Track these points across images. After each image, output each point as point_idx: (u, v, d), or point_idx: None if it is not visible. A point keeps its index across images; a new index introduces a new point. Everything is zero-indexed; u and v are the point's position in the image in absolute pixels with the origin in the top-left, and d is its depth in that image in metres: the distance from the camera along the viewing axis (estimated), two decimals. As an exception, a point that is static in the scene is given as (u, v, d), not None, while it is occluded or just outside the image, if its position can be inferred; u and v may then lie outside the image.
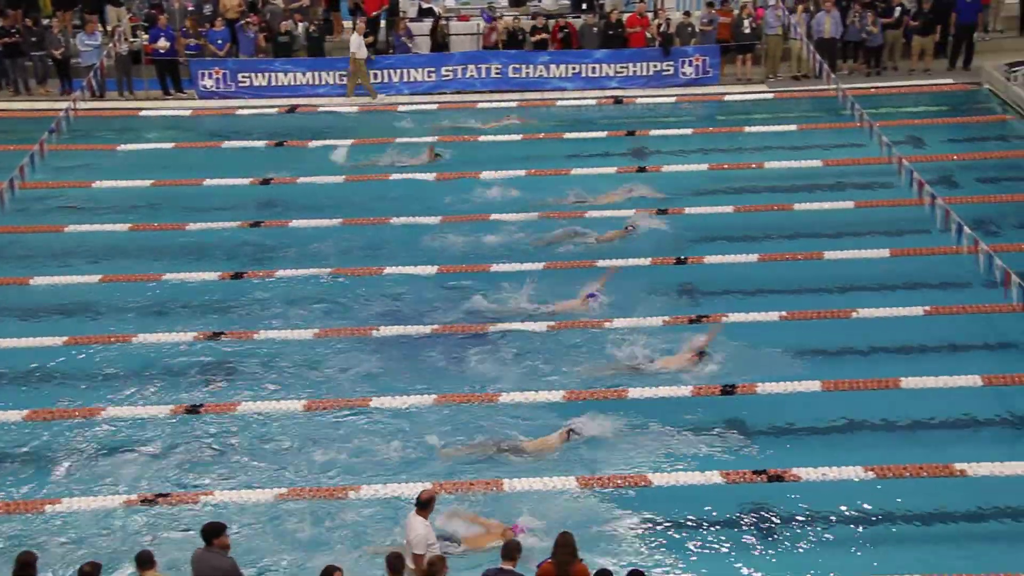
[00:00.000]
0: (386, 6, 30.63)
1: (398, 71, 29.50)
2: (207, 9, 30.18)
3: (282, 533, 14.75)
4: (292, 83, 29.46)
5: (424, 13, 30.93)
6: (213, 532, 12.70)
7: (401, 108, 28.75)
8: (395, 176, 24.79)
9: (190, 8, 30.32)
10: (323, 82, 29.48)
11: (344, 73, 29.12)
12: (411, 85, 29.50)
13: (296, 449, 16.44)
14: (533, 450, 16.00)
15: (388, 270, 20.91)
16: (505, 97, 29.00)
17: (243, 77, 29.40)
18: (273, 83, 29.46)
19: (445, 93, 29.39)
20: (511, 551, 12.35)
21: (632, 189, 23.61)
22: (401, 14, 30.69)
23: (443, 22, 30.07)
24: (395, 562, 12.20)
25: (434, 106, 28.83)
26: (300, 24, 29.91)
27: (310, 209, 23.39)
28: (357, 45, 28.84)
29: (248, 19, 29.99)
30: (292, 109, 28.88)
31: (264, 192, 24.57)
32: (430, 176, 24.76)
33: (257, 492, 15.42)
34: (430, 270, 20.85)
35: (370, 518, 14.94)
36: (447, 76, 29.49)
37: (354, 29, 29.16)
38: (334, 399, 17.34)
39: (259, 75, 29.46)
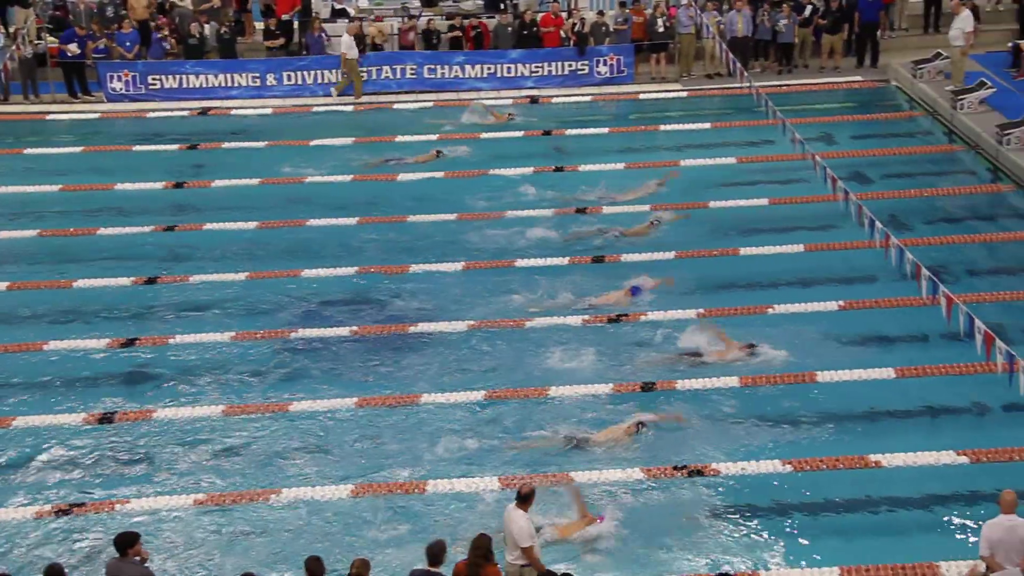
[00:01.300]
0: (298, 7, 30.33)
1: (312, 72, 29.21)
2: (109, 11, 29.63)
3: (201, 540, 14.50)
4: (204, 85, 29.05)
5: (338, 14, 30.67)
6: (127, 542, 12.43)
7: (316, 109, 28.50)
8: (311, 178, 24.58)
9: (95, 10, 29.76)
10: (236, 84, 29.11)
11: (342, 72, 28.87)
12: (325, 87, 29.22)
13: (214, 455, 16.18)
14: (602, 442, 16.00)
15: (306, 272, 20.70)
16: (421, 98, 28.87)
17: (153, 79, 28.94)
18: (184, 85, 29.03)
19: (366, 93, 29.17)
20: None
21: (660, 183, 23.54)
22: (314, 14, 30.40)
23: (360, 23, 29.83)
24: (314, 566, 12.04)
25: (349, 107, 28.61)
26: (208, 26, 29.50)
27: (225, 212, 23.09)
28: (348, 45, 28.63)
29: (158, 21, 29.51)
30: (204, 112, 28.48)
31: (178, 196, 24.20)
32: (348, 177, 24.58)
33: (174, 499, 15.16)
34: (351, 271, 20.68)
35: (294, 522, 14.76)
36: (362, 77, 29.26)
37: (346, 30, 29.04)
38: (254, 404, 17.11)
39: (170, 77, 29.01)
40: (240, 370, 18.05)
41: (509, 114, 27.63)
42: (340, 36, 29.22)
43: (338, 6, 30.82)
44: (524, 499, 12.96)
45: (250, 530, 14.68)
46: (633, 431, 16.04)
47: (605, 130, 26.87)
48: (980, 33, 28.68)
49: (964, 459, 15.29)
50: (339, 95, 28.90)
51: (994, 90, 25.80)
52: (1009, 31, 29.29)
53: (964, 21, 26.31)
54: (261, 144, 26.52)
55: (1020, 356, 14.21)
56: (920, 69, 27.64)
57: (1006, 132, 23.74)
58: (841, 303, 18.96)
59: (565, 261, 20.87)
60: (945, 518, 14.51)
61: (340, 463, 15.96)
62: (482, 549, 12.16)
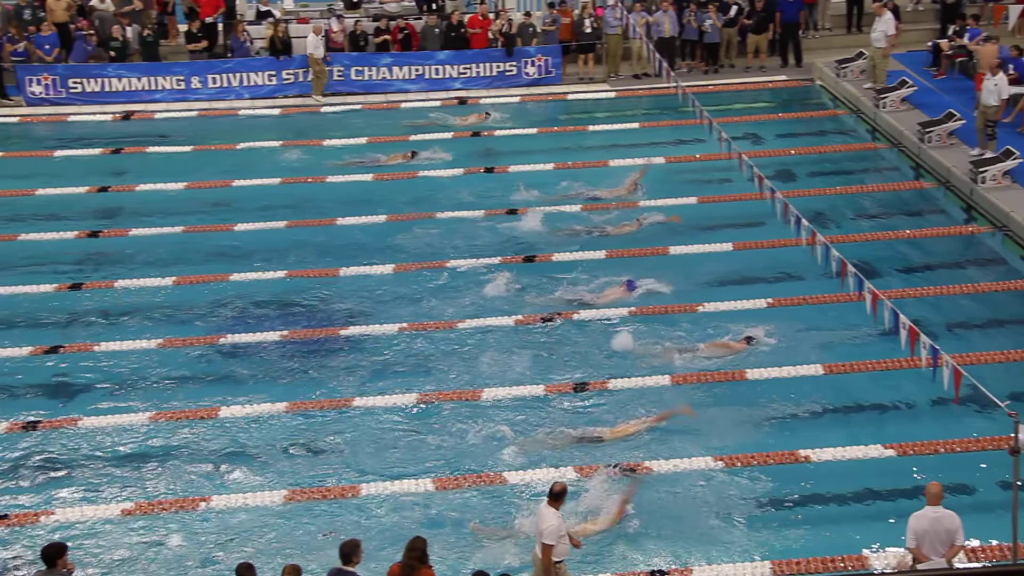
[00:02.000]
0: (223, 9, 30.00)
1: (237, 75, 28.91)
2: (27, 14, 29.09)
3: (129, 550, 14.28)
4: (127, 89, 28.63)
5: (262, 16, 30.40)
6: (54, 553, 12.20)
7: (242, 113, 28.22)
8: (237, 182, 24.34)
9: (12, 12, 29.21)
10: (159, 87, 28.73)
11: (307, 70, 28.70)
12: (251, 89, 28.94)
13: (142, 463, 15.94)
14: (612, 438, 16.02)
15: (234, 277, 20.50)
16: (348, 100, 28.70)
17: (74, 83, 28.48)
18: (107, 89, 28.58)
19: (287, 96, 28.94)
20: None
21: (639, 185, 23.56)
22: (238, 17, 30.10)
23: (282, 25, 29.57)
24: (246, 573, 11.91)
25: (276, 110, 28.38)
26: (131, 28, 29.08)
27: (151, 217, 22.79)
28: (314, 45, 28.38)
29: (78, 24, 29.04)
30: (128, 115, 28.07)
31: (102, 200, 23.84)
32: (275, 181, 24.37)
33: (102, 508, 14.92)
34: (280, 275, 20.51)
35: (225, 530, 14.59)
36: (288, 80, 29.04)
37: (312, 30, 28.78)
38: (182, 410, 16.89)
39: (91, 81, 28.56)
40: (168, 376, 17.83)
41: (486, 112, 27.55)
42: (262, 38, 29.04)
43: (263, 8, 30.54)
44: (556, 496, 12.96)
45: (180, 539, 14.49)
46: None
47: (534, 131, 26.90)
48: (901, 32, 29.13)
49: (891, 452, 15.51)
50: (318, 95, 28.82)
51: (915, 88, 26.21)
52: (929, 30, 29.76)
53: (886, 23, 26.69)
54: (187, 148, 26.21)
55: (944, 351, 14.42)
56: (843, 68, 28.01)
57: (927, 130, 24.13)
58: (769, 300, 19.13)
59: (497, 260, 20.86)
60: (873, 511, 14.69)
61: (272, 469, 15.80)
62: (417, 551, 12.11)
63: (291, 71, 28.93)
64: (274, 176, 24.57)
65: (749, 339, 17.81)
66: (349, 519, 14.75)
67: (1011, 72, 25.45)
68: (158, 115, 28.10)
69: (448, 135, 26.64)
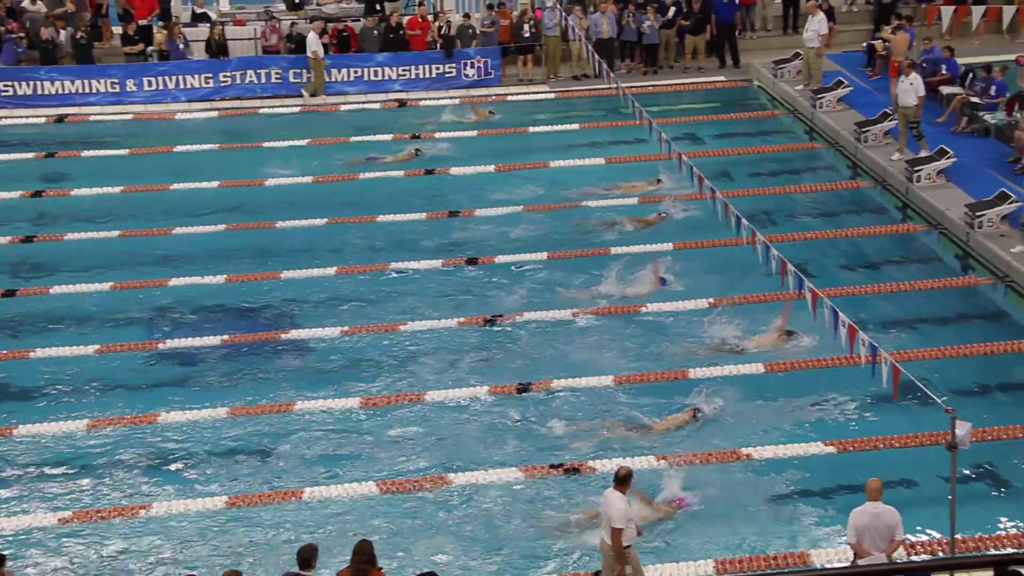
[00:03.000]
0: (157, 11, 29.65)
1: (173, 78, 28.60)
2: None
3: (69, 559, 14.08)
4: (60, 92, 28.22)
5: (198, 18, 30.10)
6: (-7, 564, 12.01)
7: (179, 116, 27.93)
8: (175, 186, 24.10)
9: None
10: (94, 90, 28.35)
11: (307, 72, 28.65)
12: (188, 92, 28.64)
13: (80, 470, 15.73)
14: (661, 430, 16.04)
15: (173, 281, 20.29)
16: (287, 102, 28.50)
17: (5, 86, 28.03)
18: (39, 92, 28.16)
19: (228, 99, 28.68)
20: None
21: (660, 180, 23.56)
22: (174, 19, 29.78)
23: (219, 27, 29.29)
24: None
25: (214, 113, 28.11)
26: (64, 31, 28.66)
27: (87, 221, 22.50)
28: (316, 44, 28.16)
29: (8, 26, 28.58)
30: (61, 119, 27.67)
31: (36, 205, 23.48)
32: (214, 184, 24.15)
33: (40, 517, 14.70)
34: (219, 279, 20.35)
35: (166, 536, 14.42)
36: (225, 82, 28.78)
37: (311, 29, 28.63)
38: (120, 416, 16.68)
39: (23, 84, 28.13)
40: (106, 383, 17.59)
41: (489, 111, 27.46)
42: (200, 41, 28.77)
43: (199, 10, 30.24)
44: (621, 481, 13.05)
45: (121, 546, 14.31)
46: (691, 417, 16.32)
47: (474, 132, 26.87)
48: (836, 33, 29.48)
49: (831, 449, 15.65)
50: (320, 93, 28.68)
51: (851, 89, 26.51)
52: (864, 31, 30.12)
53: (818, 23, 26.97)
54: (123, 151, 25.89)
55: (882, 348, 14.58)
56: (780, 69, 28.27)
57: (864, 130, 24.41)
58: (711, 300, 19.24)
59: (439, 263, 20.82)
60: (814, 507, 14.81)
61: (213, 474, 15.65)
62: (365, 554, 12.05)
63: (228, 73, 28.66)
64: (212, 179, 24.34)
65: (789, 332, 17.86)
66: (292, 523, 14.62)
67: (944, 72, 25.89)
68: (93, 118, 27.73)
69: (388, 137, 26.51)
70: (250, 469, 15.75)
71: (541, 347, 18.31)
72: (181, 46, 28.78)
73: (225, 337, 18.62)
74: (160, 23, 29.38)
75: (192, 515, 14.77)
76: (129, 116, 27.85)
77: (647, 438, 16.08)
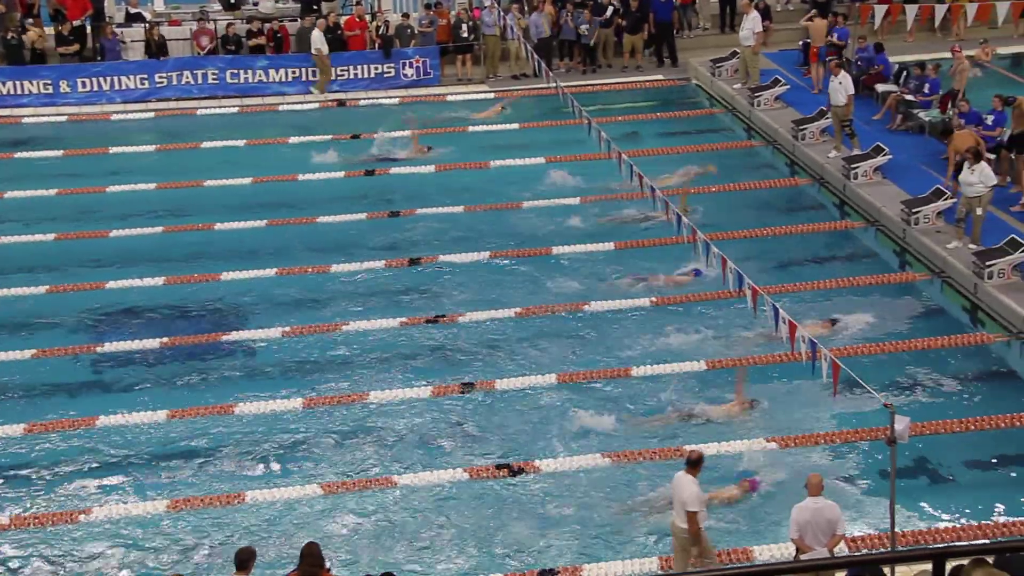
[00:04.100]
0: (90, 11, 29.24)
1: (108, 79, 28.22)
2: None
3: (8, 566, 13.86)
4: (-9, 93, 27.82)
5: (132, 18, 29.71)
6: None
7: (114, 117, 27.57)
8: (111, 188, 23.81)
9: None
10: (26, 91, 27.90)
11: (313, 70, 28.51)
12: (123, 93, 28.27)
13: (17, 476, 15.51)
14: (719, 418, 16.15)
15: (111, 284, 20.04)
16: (224, 103, 28.24)
17: (-66, 88, 27.58)
18: (-33, 93, 27.74)
19: (165, 100, 28.32)
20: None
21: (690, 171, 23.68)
22: (108, 19, 29.37)
23: (156, 27, 28.93)
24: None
25: (150, 114, 27.78)
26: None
27: (21, 224, 22.17)
28: (320, 41, 27.86)
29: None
30: (-8, 121, 27.26)
31: (-32, 208, 23.13)
32: (151, 186, 23.88)
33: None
34: (158, 281, 20.13)
35: (106, 541, 14.23)
36: (161, 83, 28.44)
37: (315, 26, 28.38)
38: (59, 420, 16.45)
39: (-47, 85, 27.68)
40: (43, 387, 17.34)
41: (502, 106, 27.38)
42: (139, 41, 28.44)
43: (132, 10, 29.86)
44: (693, 464, 13.11)
45: (59, 551, 14.12)
46: (748, 406, 16.46)
47: (411, 132, 26.77)
48: (773, 32, 29.74)
49: (773, 445, 15.77)
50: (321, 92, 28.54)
51: (788, 87, 26.76)
52: (800, 29, 30.38)
53: (753, 21, 27.18)
54: (57, 153, 25.51)
55: (822, 344, 14.71)
56: (718, 67, 28.46)
57: (801, 127, 24.64)
58: (653, 299, 19.33)
59: (381, 264, 20.75)
60: (756, 503, 14.90)
61: (154, 477, 15.50)
62: (314, 556, 11.98)
63: (164, 74, 28.32)
64: (150, 181, 24.06)
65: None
66: (234, 527, 14.50)
67: (876, 67, 26.20)
68: (25, 120, 27.30)
69: (327, 137, 26.35)
70: (191, 472, 15.60)
71: (484, 346, 18.29)
72: (120, 44, 28.38)
73: (164, 340, 18.41)
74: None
75: (133, 519, 14.60)
76: (64, 118, 27.45)
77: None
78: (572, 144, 25.02)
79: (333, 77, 28.69)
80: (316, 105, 28.26)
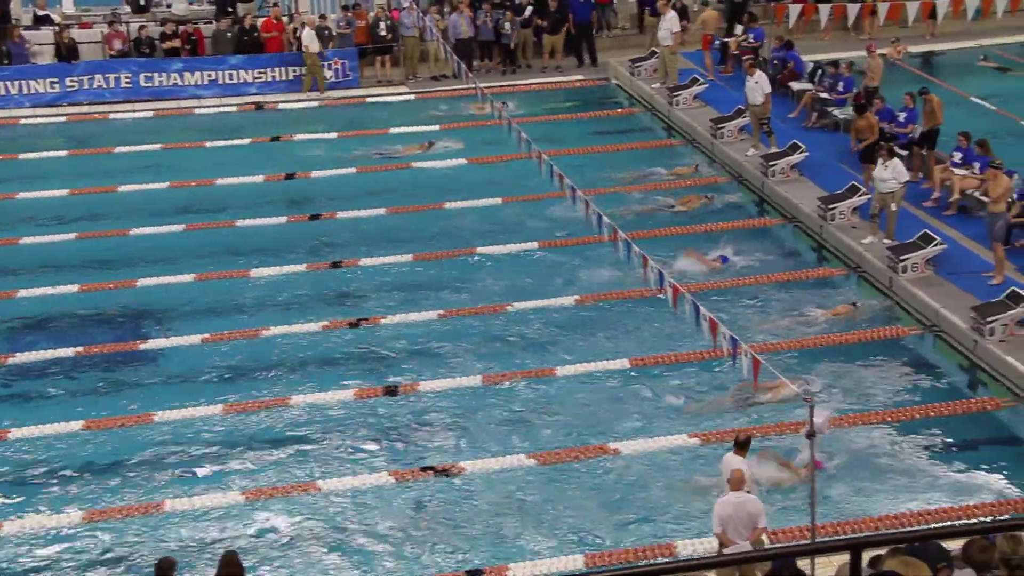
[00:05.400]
0: (-4, 13, 28.71)
1: (16, 83, 27.65)
2: None
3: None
4: None
5: (40, 20, 29.12)
6: None
7: (24, 122, 27.02)
8: (22, 194, 23.33)
9: None
10: (-68, 96, 27.31)
11: (301, 71, 28.23)
12: (32, 97, 27.72)
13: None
14: (771, 399, 16.08)
15: (22, 292, 19.67)
16: (139, 107, 27.80)
17: None
18: None
19: (78, 104, 27.80)
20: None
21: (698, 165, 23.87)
22: (14, 21, 28.75)
23: (66, 30, 28.41)
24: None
25: (61, 118, 27.27)
26: None
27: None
28: (310, 39, 27.41)
29: None
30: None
31: None
32: (63, 192, 23.45)
33: None
34: (72, 289, 19.75)
35: (21, 555, 13.91)
36: (72, 87, 27.93)
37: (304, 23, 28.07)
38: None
39: None
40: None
41: (504, 102, 27.00)
42: (46, 44, 27.90)
43: (40, 12, 29.30)
44: (742, 445, 13.40)
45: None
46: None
47: (334, 135, 26.61)
48: (690, 32, 29.93)
49: (696, 441, 15.86)
50: (307, 91, 28.25)
51: (706, 86, 26.99)
52: (718, 29, 30.62)
53: (671, 21, 27.37)
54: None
55: (742, 340, 14.82)
56: (637, 67, 28.62)
57: (719, 126, 24.86)
58: (576, 298, 19.36)
59: (303, 268, 20.57)
60: (680, 499, 14.97)
61: (70, 488, 15.18)
62: (233, 565, 11.82)
63: (75, 78, 27.83)
64: (62, 186, 23.63)
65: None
66: (154, 537, 14.26)
67: (788, 64, 26.50)
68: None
69: (246, 141, 26.06)
70: (108, 483, 15.30)
71: (407, 349, 18.18)
72: (28, 48, 27.83)
73: (79, 348, 18.06)
74: None
75: (48, 532, 14.29)
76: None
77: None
78: (493, 145, 25.02)
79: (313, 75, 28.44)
80: (233, 108, 27.93)
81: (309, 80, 28.38)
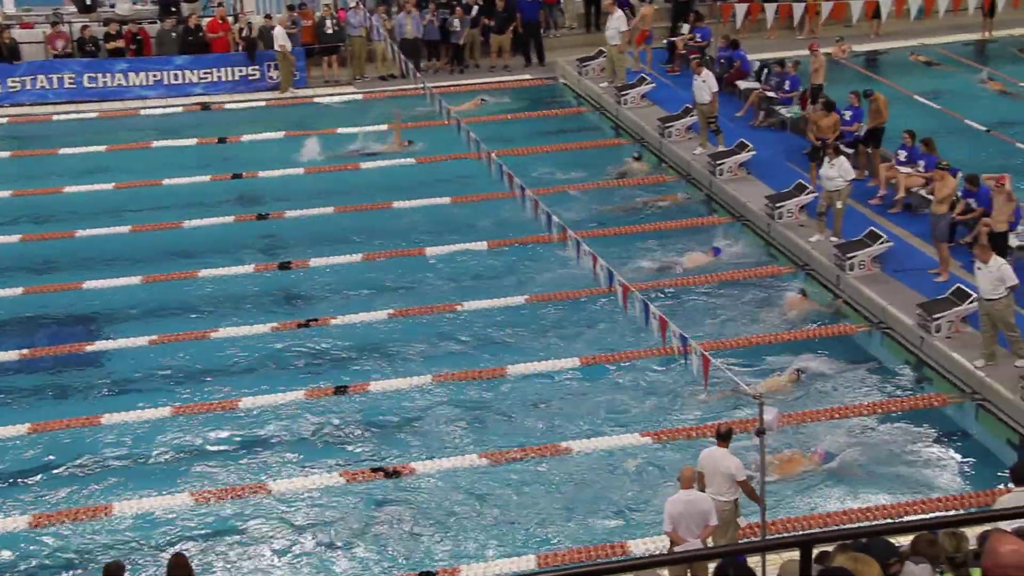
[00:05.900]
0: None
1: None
2: None
3: None
4: None
5: (-19, 20, 28.77)
6: None
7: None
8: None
9: None
10: None
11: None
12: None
13: None
14: (764, 391, 15.87)
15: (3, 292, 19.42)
16: (83, 108, 27.47)
17: None
18: None
19: (20, 105, 27.41)
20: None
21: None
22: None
23: (7, 30, 28.02)
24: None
25: (3, 120, 26.89)
26: None
27: None
28: (283, 37, 27.20)
29: None
30: None
31: None
32: (7, 193, 23.14)
33: None
34: (16, 291, 19.48)
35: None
36: (14, 88, 27.55)
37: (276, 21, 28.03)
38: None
39: None
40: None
41: (481, 99, 27.12)
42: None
43: (-17, 11, 28.93)
44: (724, 437, 13.27)
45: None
46: (795, 379, 16.69)
47: (280, 134, 26.44)
48: (636, 30, 30.04)
49: (647, 440, 15.92)
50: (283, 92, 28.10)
51: (654, 85, 27.09)
52: (665, 28, 30.82)
53: (618, 20, 27.45)
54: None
55: (692, 338, 14.90)
56: (585, 67, 28.69)
57: (667, 125, 24.97)
58: (527, 297, 19.37)
59: (251, 268, 20.43)
60: (632, 497, 15.03)
61: (15, 492, 15.00)
62: (181, 568, 11.72)
63: (17, 79, 27.45)
64: (5, 188, 23.34)
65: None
66: (103, 540, 14.12)
67: (735, 63, 26.68)
68: None
69: (192, 141, 25.84)
70: (55, 486, 15.12)
71: (357, 349, 18.11)
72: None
73: (24, 352, 17.84)
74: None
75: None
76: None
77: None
78: (441, 145, 24.98)
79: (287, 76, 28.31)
80: (179, 109, 27.68)
81: (287, 78, 28.19)
